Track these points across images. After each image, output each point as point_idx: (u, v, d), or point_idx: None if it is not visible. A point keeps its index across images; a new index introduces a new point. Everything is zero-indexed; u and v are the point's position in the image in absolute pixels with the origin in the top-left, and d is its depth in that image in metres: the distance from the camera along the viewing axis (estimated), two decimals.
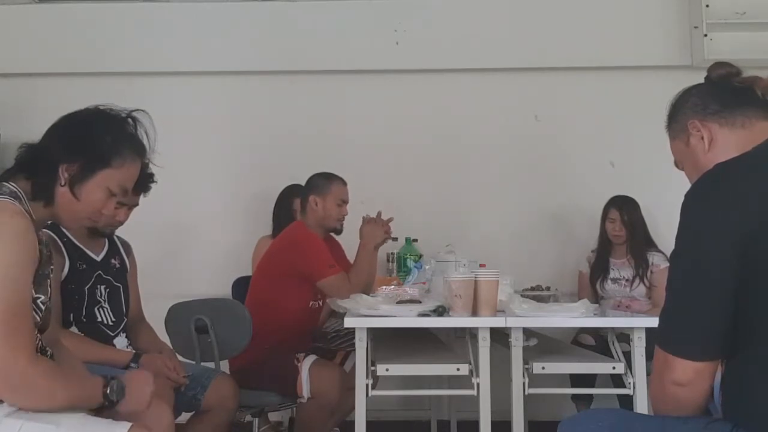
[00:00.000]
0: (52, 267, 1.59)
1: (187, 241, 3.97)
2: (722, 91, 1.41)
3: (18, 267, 1.39)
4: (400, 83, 4.06)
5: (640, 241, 3.49)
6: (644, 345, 2.14)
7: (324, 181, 3.01)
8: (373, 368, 2.17)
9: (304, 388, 2.62)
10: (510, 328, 2.16)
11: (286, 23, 4.04)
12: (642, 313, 3.17)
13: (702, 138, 1.40)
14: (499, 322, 2.15)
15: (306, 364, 2.66)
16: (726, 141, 1.37)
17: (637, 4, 4.01)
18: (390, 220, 3.03)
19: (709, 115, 1.40)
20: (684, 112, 1.44)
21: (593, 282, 3.58)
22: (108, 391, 1.52)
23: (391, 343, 2.57)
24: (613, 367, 2.26)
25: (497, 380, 2.17)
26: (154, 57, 4.00)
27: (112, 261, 2.45)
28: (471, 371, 2.18)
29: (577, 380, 3.04)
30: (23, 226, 1.42)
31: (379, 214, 3.03)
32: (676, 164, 1.51)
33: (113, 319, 2.38)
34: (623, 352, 2.29)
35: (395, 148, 3.98)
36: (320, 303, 2.99)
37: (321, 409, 2.66)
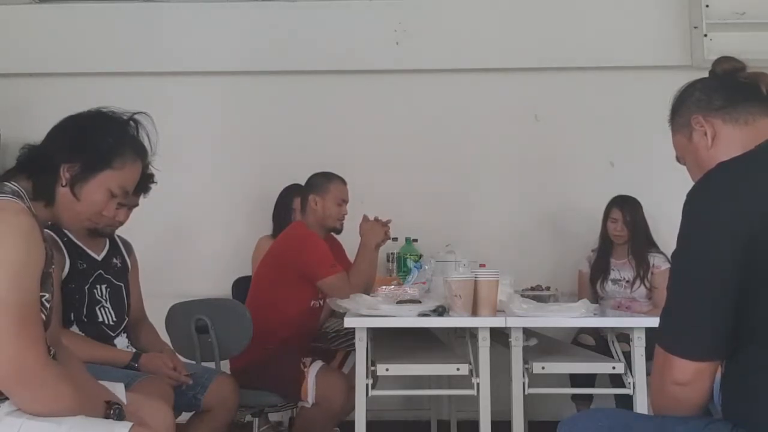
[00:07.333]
0: (53, 265, 1.59)
1: (188, 240, 3.97)
2: (727, 87, 1.39)
3: (28, 267, 1.39)
4: (400, 83, 4.06)
5: (641, 241, 3.48)
6: (644, 345, 2.14)
7: (323, 181, 3.01)
8: (373, 368, 2.17)
9: (310, 394, 2.62)
10: (510, 328, 2.16)
11: (286, 23, 4.04)
12: (642, 314, 3.17)
13: (705, 134, 1.38)
14: (499, 322, 2.15)
15: (313, 370, 2.65)
16: (729, 137, 1.35)
17: (637, 4, 4.01)
18: (389, 221, 3.03)
19: (713, 111, 1.38)
20: (688, 107, 1.42)
21: (593, 282, 3.57)
22: (110, 413, 1.53)
23: (391, 343, 2.57)
24: (613, 367, 2.26)
25: (497, 380, 2.17)
26: (154, 57, 4.00)
27: (113, 260, 2.45)
28: (471, 371, 2.18)
29: (577, 380, 3.04)
30: (28, 224, 1.41)
31: (375, 218, 3.03)
32: (678, 159, 1.48)
33: (114, 319, 2.38)
34: (623, 352, 2.29)
35: (395, 148, 3.97)
36: (321, 302, 2.98)
37: (323, 415, 2.65)
